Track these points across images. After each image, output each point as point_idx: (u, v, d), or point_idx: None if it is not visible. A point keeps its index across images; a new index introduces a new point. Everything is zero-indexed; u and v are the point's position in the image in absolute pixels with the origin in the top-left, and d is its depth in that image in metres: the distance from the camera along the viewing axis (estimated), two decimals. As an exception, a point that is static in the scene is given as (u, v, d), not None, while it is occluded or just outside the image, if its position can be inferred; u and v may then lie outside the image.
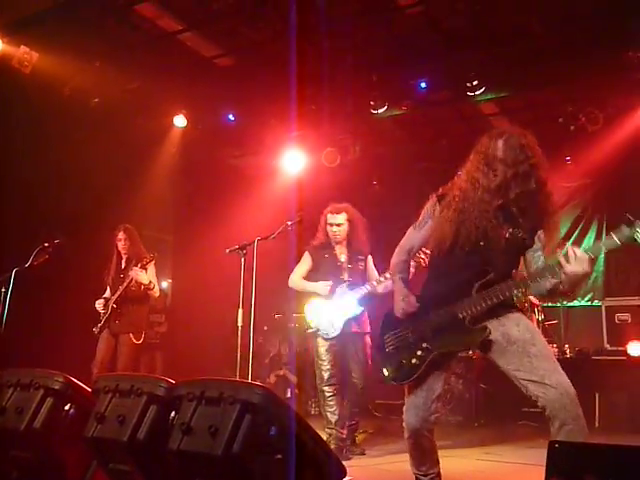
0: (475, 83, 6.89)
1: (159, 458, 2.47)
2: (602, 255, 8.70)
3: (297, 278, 5.18)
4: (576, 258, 2.59)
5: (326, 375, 4.95)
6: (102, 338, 5.77)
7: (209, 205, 8.96)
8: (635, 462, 1.54)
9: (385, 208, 8.67)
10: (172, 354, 8.33)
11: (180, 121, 8.23)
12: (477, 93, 6.96)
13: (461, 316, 2.81)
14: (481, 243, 2.87)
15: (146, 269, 5.61)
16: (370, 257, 5.16)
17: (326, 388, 4.95)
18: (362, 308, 4.97)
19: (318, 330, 4.99)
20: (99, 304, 5.79)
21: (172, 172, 8.73)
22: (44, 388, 3.01)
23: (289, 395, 7.13)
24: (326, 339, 4.96)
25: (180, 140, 8.57)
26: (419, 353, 2.88)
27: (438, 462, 3.11)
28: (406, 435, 3.04)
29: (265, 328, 8.69)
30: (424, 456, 3.07)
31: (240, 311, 4.72)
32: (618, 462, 1.56)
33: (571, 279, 2.63)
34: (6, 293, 5.27)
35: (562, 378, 2.65)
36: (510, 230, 2.87)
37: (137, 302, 5.75)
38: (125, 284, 5.63)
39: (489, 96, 7.22)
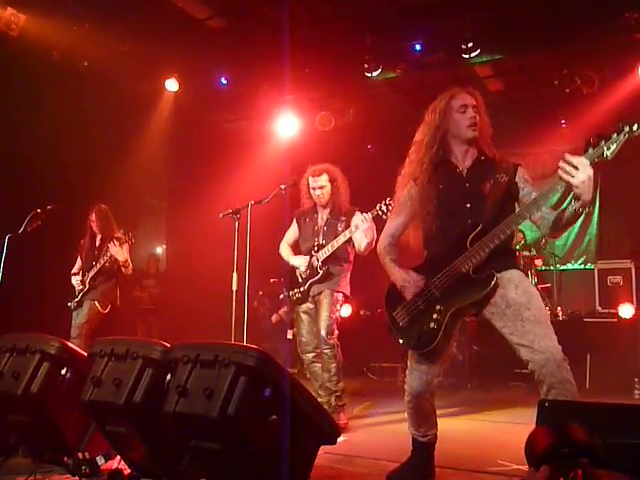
0: (470, 45, 6.81)
1: (155, 420, 2.50)
2: (595, 218, 8.74)
3: (284, 246, 5.09)
4: (578, 166, 2.45)
5: (300, 342, 4.90)
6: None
7: (202, 170, 8.90)
8: (617, 418, 1.59)
9: (380, 171, 8.61)
10: (167, 319, 8.37)
11: (172, 85, 8.10)
12: (472, 55, 6.89)
13: (464, 270, 2.81)
14: (467, 205, 2.93)
15: (122, 247, 5.74)
16: (358, 214, 4.69)
17: (302, 356, 4.94)
18: (321, 272, 4.71)
19: (289, 296, 4.95)
20: (76, 280, 5.90)
21: (165, 137, 8.64)
22: (40, 353, 3.04)
23: (289, 337, 6.91)
24: (297, 304, 4.90)
25: (172, 104, 8.46)
26: (435, 316, 2.86)
27: (436, 424, 3.15)
28: (407, 398, 3.06)
29: (260, 293, 8.72)
30: (424, 418, 3.10)
31: (235, 275, 4.72)
32: (603, 418, 1.60)
33: (583, 190, 2.47)
34: (0, 259, 5.28)
35: (551, 343, 2.65)
36: (491, 180, 2.89)
37: (108, 276, 5.88)
38: (102, 260, 5.76)
39: (484, 58, 7.14)
